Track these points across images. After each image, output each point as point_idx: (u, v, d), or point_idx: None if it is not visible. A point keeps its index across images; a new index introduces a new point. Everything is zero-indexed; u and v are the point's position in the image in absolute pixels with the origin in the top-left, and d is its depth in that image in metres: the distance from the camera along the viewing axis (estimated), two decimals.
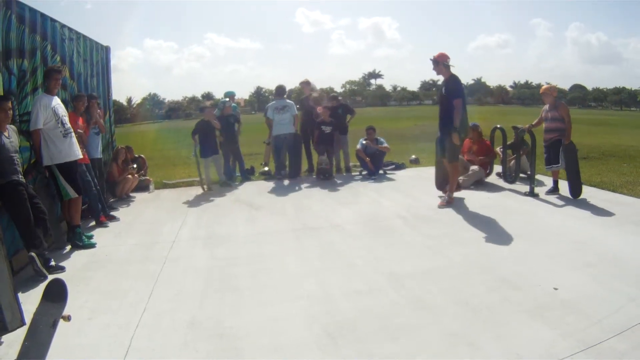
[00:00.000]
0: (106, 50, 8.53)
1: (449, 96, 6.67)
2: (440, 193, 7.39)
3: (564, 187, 7.18)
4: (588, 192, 7.14)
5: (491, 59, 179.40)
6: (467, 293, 3.79)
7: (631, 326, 3.12)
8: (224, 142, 9.40)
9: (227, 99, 9.87)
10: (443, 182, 7.52)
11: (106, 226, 6.35)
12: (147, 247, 5.42)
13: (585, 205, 6.55)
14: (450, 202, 6.86)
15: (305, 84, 10.36)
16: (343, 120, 10.14)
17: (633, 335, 3.02)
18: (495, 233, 5.44)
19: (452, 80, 6.70)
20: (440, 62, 6.70)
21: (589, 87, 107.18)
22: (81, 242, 5.47)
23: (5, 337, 3.05)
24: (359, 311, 3.55)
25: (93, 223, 6.44)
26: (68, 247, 5.46)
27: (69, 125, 5.44)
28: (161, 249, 5.31)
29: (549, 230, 5.44)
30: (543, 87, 7.46)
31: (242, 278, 4.34)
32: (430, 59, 6.76)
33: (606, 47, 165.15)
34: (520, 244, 5.02)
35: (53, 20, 6.04)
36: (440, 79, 7.06)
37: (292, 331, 3.29)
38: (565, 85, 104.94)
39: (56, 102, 5.36)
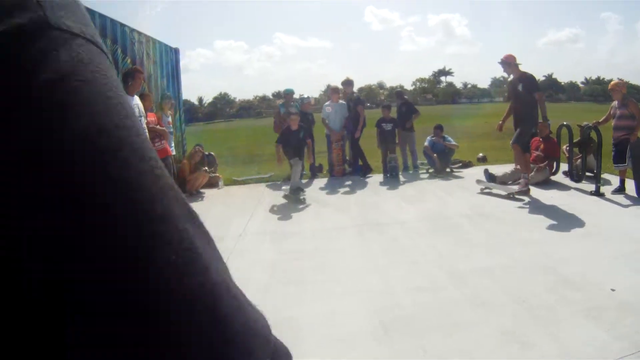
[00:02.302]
0: (175, 52, 8.85)
1: (530, 92, 6.81)
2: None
3: (631, 186, 6.83)
4: None
5: (562, 54, 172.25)
6: (525, 292, 3.72)
7: None
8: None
9: (307, 96, 10.06)
10: None
11: None
12: (215, 240, 5.52)
13: None
14: (525, 186, 6.95)
15: (347, 84, 10.13)
16: (406, 118, 9.95)
17: None
18: (559, 232, 5.30)
19: (530, 77, 6.94)
20: (512, 63, 6.89)
21: None
22: None
23: None
24: (418, 306, 3.55)
25: None
26: None
27: (144, 127, 5.62)
28: (229, 242, 5.40)
29: (613, 231, 5.22)
30: (612, 83, 7.27)
31: (306, 271, 4.41)
32: (499, 62, 7.00)
33: None
34: (583, 244, 4.85)
35: (123, 25, 6.32)
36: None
37: (350, 323, 3.33)
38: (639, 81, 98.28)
39: (135, 102, 5.52)
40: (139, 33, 6.92)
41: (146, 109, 6.29)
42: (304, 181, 9.23)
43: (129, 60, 6.38)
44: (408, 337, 3.09)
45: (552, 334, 3.04)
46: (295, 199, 7.28)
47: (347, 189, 8.54)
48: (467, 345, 2.96)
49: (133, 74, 5.54)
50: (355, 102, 9.81)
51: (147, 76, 7.16)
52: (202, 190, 8.55)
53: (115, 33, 6.11)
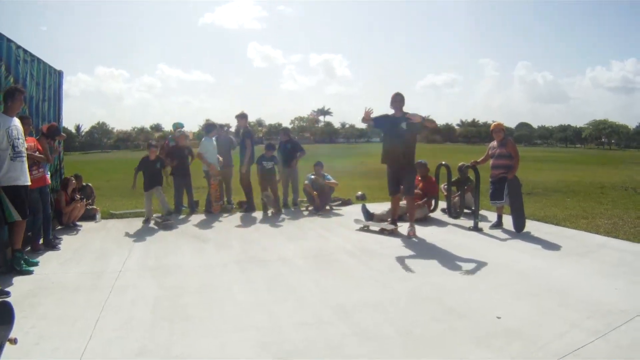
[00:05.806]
0: (59, 74, 8.40)
1: (412, 131, 7.03)
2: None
3: (508, 221, 7.48)
4: (532, 226, 7.48)
5: (439, 97, 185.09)
6: (413, 324, 3.86)
7: (574, 350, 3.28)
8: (177, 173, 9.37)
9: (183, 129, 9.94)
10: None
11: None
12: (94, 275, 5.29)
13: (529, 238, 6.86)
14: (414, 234, 7.12)
15: (241, 117, 10.12)
16: (291, 156, 10.22)
17: (576, 359, 3.17)
18: (441, 266, 5.59)
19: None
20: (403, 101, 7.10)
21: (535, 125, 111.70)
22: (19, 267, 5.27)
23: None
24: (308, 342, 3.58)
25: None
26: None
27: (21, 149, 5.26)
28: (109, 278, 5.20)
29: (493, 263, 5.63)
30: (494, 124, 7.78)
31: (191, 308, 4.30)
32: (397, 97, 7.14)
33: (552, 86, 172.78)
34: (465, 276, 5.17)
35: (9, 41, 5.94)
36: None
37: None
38: (512, 124, 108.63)
39: (13, 123, 5.19)
40: (25, 51, 6.51)
41: (25, 133, 5.87)
42: (181, 216, 9.27)
43: (12, 80, 5.95)
44: None
45: None
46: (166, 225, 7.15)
47: (226, 224, 8.56)
48: None
49: (13, 93, 5.20)
50: (243, 135, 9.92)
51: (29, 98, 6.72)
52: (78, 223, 8.10)
53: (1, 49, 5.72)
